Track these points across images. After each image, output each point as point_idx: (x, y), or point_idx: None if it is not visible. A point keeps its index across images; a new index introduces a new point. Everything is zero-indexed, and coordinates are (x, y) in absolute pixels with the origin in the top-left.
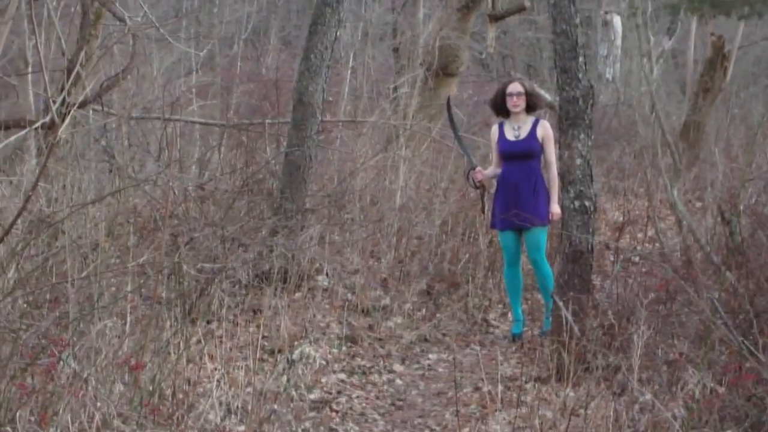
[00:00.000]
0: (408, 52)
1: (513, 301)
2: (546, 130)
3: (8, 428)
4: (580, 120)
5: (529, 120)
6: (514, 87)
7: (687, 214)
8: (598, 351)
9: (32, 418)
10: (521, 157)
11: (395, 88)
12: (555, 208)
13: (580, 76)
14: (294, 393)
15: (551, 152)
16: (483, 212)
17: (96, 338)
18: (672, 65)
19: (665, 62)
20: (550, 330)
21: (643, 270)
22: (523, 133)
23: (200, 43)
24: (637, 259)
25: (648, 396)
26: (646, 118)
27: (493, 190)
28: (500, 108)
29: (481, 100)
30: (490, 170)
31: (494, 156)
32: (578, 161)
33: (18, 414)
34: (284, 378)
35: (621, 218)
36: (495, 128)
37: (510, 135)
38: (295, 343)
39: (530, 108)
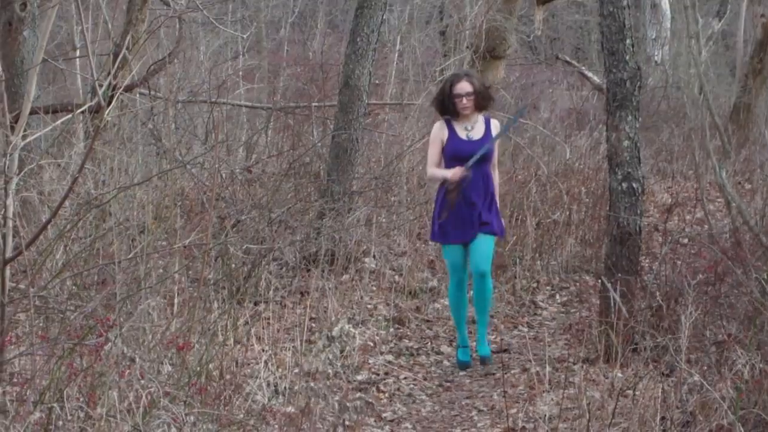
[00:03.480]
0: (455, 35)
1: (460, 323)
2: (498, 128)
3: (56, 407)
4: (628, 102)
5: (481, 119)
6: (462, 87)
7: (736, 196)
8: (647, 332)
9: (80, 398)
10: (479, 160)
11: (442, 71)
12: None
13: (628, 58)
14: (337, 371)
15: (496, 154)
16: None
17: (143, 319)
18: (721, 47)
19: (714, 44)
20: (489, 355)
21: (692, 252)
22: (477, 133)
23: (247, 27)
24: (685, 240)
25: (696, 377)
26: (695, 101)
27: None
28: (446, 108)
29: (528, 83)
30: (438, 172)
31: (433, 156)
32: (626, 143)
33: (66, 393)
34: (323, 355)
35: (669, 200)
36: (440, 124)
37: (462, 134)
38: (333, 319)
39: (480, 107)
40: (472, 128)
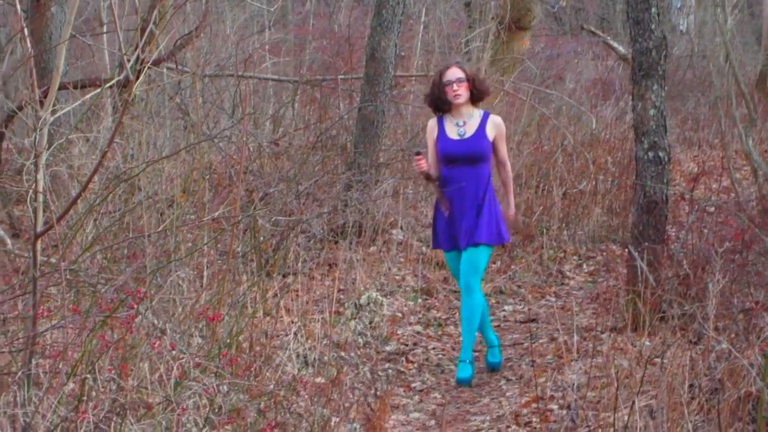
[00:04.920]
0: (480, 6)
1: (483, 328)
2: (498, 126)
3: (89, 378)
4: (654, 71)
5: (476, 114)
6: (453, 73)
7: (762, 164)
8: (674, 300)
9: (112, 369)
10: (467, 160)
11: (467, 43)
12: (510, 210)
13: (653, 27)
14: (368, 341)
15: (504, 150)
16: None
17: (173, 291)
18: (747, 15)
19: (740, 12)
20: (470, 377)
21: (719, 220)
22: (470, 130)
23: (272, 0)
24: (712, 209)
25: (724, 344)
26: (721, 69)
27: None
28: (440, 102)
29: (554, 54)
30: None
31: (430, 156)
32: (652, 112)
33: (98, 365)
34: (353, 323)
35: (696, 169)
36: (433, 123)
37: (452, 132)
38: (362, 290)
39: (475, 99)
40: (465, 123)
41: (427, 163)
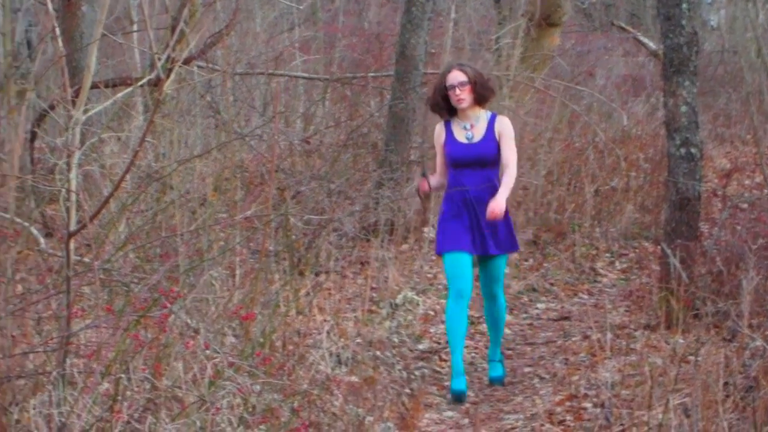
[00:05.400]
0: (510, 3)
1: (455, 346)
2: (504, 127)
3: (123, 378)
4: (685, 67)
5: (483, 115)
6: (455, 76)
7: None
8: (707, 297)
9: (146, 369)
10: (476, 164)
11: (497, 39)
12: (496, 202)
13: (684, 23)
14: (401, 340)
15: (510, 152)
16: (425, 215)
17: (205, 290)
18: None
19: None
20: (503, 376)
21: (752, 216)
22: (478, 133)
23: None
24: (745, 205)
25: (759, 341)
26: (753, 64)
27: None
28: (443, 107)
29: (584, 50)
30: (434, 180)
31: (438, 161)
32: (683, 108)
33: (132, 365)
34: (388, 323)
35: (728, 165)
36: (440, 127)
37: (460, 136)
38: (397, 287)
39: (480, 100)
40: (472, 126)
41: (433, 173)
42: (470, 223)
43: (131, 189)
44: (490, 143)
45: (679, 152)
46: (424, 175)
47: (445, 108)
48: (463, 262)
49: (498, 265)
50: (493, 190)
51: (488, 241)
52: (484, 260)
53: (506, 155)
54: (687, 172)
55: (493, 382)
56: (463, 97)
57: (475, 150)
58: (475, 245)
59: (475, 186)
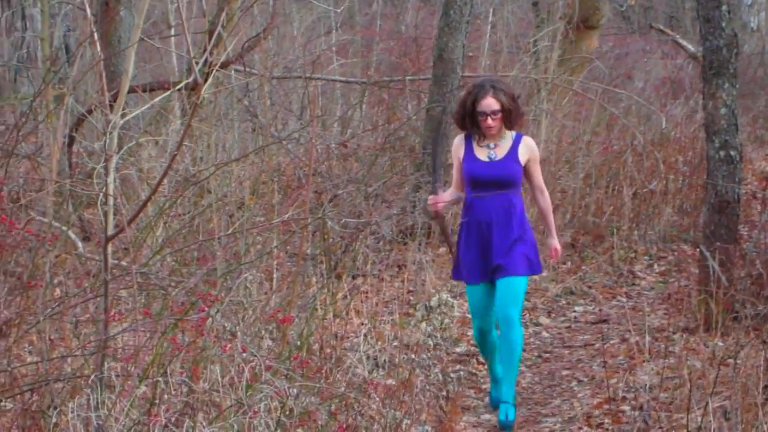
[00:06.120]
0: (547, 6)
1: (491, 364)
2: (532, 150)
3: (161, 381)
4: (724, 69)
5: (508, 135)
6: (488, 104)
7: None
8: (747, 300)
9: (183, 372)
10: (497, 185)
11: (535, 42)
12: (555, 243)
13: (724, 25)
14: (438, 343)
15: (539, 175)
16: (449, 248)
17: (243, 294)
18: None
19: None
20: (512, 422)
21: None
22: (500, 152)
23: (340, 2)
24: None
25: None
26: None
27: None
28: (468, 124)
29: (622, 53)
30: (448, 194)
31: (455, 175)
32: (723, 111)
33: (169, 368)
34: (423, 325)
35: None
36: (459, 140)
37: (481, 153)
38: (433, 290)
39: (509, 125)
40: (496, 146)
41: (445, 190)
42: (480, 250)
43: (169, 193)
44: (513, 164)
45: (718, 155)
46: (435, 192)
47: (470, 126)
48: (480, 296)
49: (513, 285)
50: (512, 213)
51: (507, 262)
52: (499, 280)
53: (537, 178)
54: (726, 174)
55: (504, 429)
56: (494, 125)
57: (497, 169)
58: (485, 272)
59: (493, 207)
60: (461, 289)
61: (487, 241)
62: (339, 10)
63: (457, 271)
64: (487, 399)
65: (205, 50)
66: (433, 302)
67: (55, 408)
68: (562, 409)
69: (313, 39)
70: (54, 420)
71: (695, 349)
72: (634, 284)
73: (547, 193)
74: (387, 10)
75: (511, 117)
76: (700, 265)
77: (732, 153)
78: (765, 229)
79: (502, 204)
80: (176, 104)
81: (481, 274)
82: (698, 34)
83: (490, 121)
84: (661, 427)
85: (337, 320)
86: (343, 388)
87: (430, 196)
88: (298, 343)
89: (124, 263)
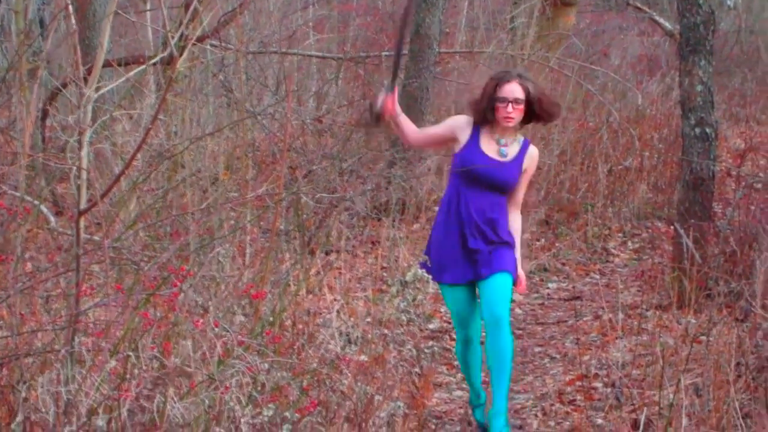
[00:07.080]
0: None
1: (472, 382)
2: (533, 162)
3: (132, 356)
4: (701, 47)
5: (519, 138)
6: (512, 90)
7: None
8: (720, 277)
9: (155, 347)
10: (495, 187)
11: (512, 19)
12: (521, 271)
13: (701, 2)
14: (411, 319)
15: (524, 191)
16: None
17: (215, 269)
18: None
19: None
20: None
21: (766, 196)
22: (511, 153)
23: None
24: (759, 185)
25: None
26: None
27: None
28: (484, 113)
29: (599, 30)
30: (406, 118)
31: (431, 132)
32: (699, 88)
33: (141, 343)
34: (397, 300)
35: (743, 145)
36: (466, 121)
37: (491, 150)
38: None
39: (530, 120)
40: (507, 145)
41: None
42: (461, 247)
43: (142, 167)
44: (517, 171)
45: (693, 132)
46: (390, 91)
47: (485, 115)
48: (464, 300)
49: (501, 282)
50: (501, 217)
51: (492, 258)
52: (484, 280)
53: (520, 196)
54: (701, 151)
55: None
56: (513, 116)
57: (506, 173)
58: (467, 271)
59: (484, 208)
60: None
61: (463, 236)
62: None
63: (432, 270)
64: (459, 375)
65: (180, 24)
66: (409, 277)
67: (25, 383)
68: (534, 386)
69: (290, 14)
70: (23, 395)
71: (668, 327)
72: (607, 261)
73: (519, 216)
74: None
75: (534, 111)
76: (674, 242)
77: (707, 130)
78: (739, 206)
79: (494, 207)
80: (151, 78)
81: (463, 274)
82: (675, 12)
83: (510, 108)
84: (633, 404)
85: (310, 296)
86: (315, 364)
87: (382, 94)
88: (271, 318)
89: (96, 238)
